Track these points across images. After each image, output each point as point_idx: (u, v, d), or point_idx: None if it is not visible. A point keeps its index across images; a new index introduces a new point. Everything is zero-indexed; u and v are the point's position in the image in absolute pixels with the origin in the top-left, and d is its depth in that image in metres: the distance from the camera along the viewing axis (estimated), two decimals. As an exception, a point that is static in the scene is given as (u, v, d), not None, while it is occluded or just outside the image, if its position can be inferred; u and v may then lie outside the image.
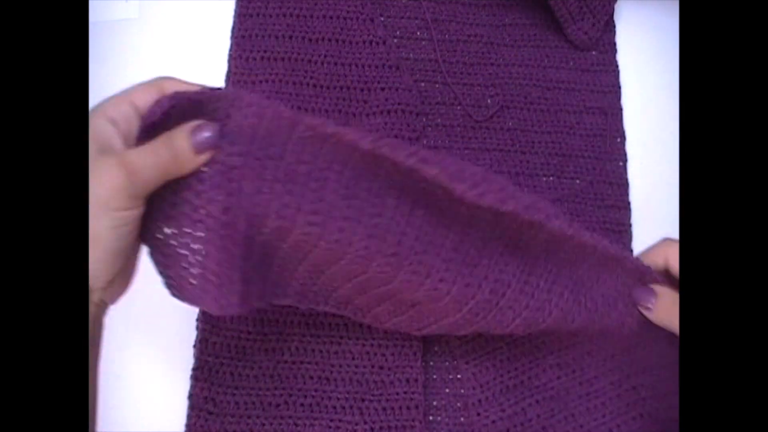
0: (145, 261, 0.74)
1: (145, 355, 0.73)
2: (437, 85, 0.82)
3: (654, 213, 0.78)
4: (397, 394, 0.70)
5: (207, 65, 0.83)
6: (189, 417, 0.70)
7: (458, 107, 0.81)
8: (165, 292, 0.71)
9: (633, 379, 0.69)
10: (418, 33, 0.84)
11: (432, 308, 0.63)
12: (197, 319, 0.72)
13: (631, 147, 0.81)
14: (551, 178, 0.79)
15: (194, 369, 0.71)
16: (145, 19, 0.85)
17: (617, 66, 0.84)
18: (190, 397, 0.70)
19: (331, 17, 0.82)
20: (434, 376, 0.74)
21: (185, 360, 0.72)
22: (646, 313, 0.64)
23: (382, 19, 0.84)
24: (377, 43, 0.81)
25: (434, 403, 0.73)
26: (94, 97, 0.53)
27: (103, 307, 0.55)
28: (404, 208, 0.59)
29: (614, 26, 0.86)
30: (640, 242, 0.77)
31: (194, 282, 0.58)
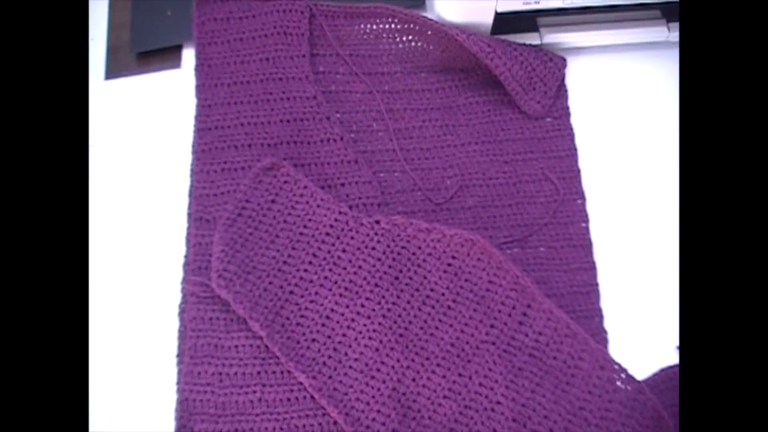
0: (133, 260, 0.78)
1: (132, 351, 0.77)
2: (396, 174, 0.84)
3: (620, 269, 0.79)
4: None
5: (171, 178, 0.85)
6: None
7: (418, 192, 0.83)
8: (151, 289, 0.79)
9: None
10: (374, 125, 0.87)
11: (428, 396, 0.71)
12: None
13: (592, 206, 0.82)
14: (515, 250, 0.80)
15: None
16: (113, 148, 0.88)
17: (572, 129, 0.86)
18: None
19: (288, 121, 0.84)
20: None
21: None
22: None
23: (338, 115, 0.86)
24: (335, 141, 0.83)
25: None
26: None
27: None
28: (414, 303, 0.74)
29: (566, 90, 0.88)
30: (608, 301, 0.78)
31: None
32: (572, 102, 0.88)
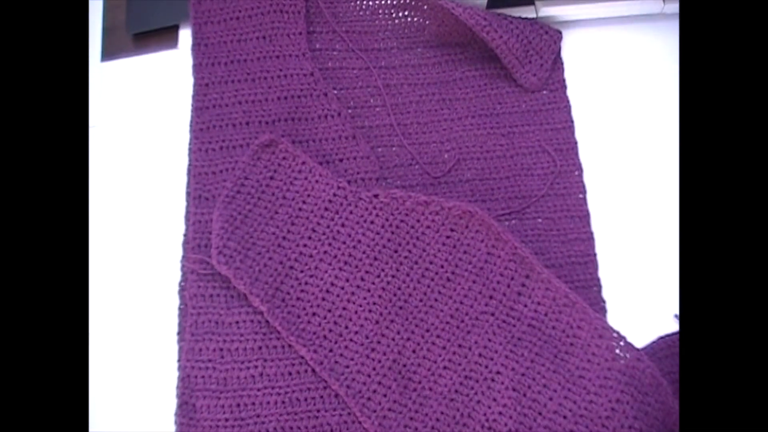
0: (132, 240, 0.80)
1: (132, 330, 0.78)
2: (394, 148, 0.84)
3: (618, 239, 0.80)
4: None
5: (170, 158, 0.85)
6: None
7: (416, 166, 0.83)
8: (151, 268, 0.79)
9: None
10: (372, 100, 0.87)
11: (428, 367, 0.72)
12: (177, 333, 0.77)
13: (589, 178, 0.82)
14: (514, 221, 0.80)
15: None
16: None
17: (568, 101, 0.86)
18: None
19: (285, 98, 0.85)
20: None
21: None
22: None
23: (336, 92, 0.87)
24: (332, 116, 0.84)
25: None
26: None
27: None
28: (413, 275, 0.74)
29: (562, 63, 0.88)
30: (606, 271, 0.78)
31: None
32: (568, 75, 0.88)
